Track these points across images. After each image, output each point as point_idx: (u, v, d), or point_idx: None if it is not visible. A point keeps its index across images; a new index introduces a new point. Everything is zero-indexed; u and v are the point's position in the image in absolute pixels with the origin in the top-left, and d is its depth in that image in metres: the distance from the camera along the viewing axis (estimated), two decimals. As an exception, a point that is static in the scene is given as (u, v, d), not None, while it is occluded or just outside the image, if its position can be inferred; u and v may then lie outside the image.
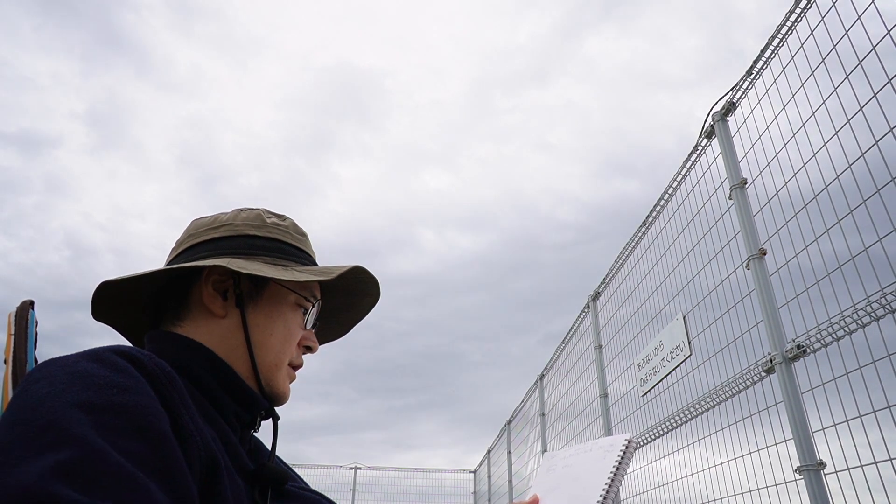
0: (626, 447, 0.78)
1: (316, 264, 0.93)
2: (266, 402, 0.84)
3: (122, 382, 0.59)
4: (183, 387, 0.67)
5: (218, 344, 0.81)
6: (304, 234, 0.94)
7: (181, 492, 0.56)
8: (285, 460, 0.96)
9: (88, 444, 0.51)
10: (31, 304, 0.78)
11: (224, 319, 0.83)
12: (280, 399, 0.86)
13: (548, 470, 0.87)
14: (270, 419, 0.88)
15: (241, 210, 0.92)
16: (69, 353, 0.65)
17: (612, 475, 0.74)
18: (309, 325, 0.90)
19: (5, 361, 0.72)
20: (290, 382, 0.89)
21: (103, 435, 0.53)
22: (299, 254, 0.91)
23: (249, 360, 0.82)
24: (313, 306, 0.90)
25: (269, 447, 0.87)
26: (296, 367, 0.89)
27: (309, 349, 0.91)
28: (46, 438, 0.51)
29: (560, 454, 0.88)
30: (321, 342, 1.05)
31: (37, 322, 0.77)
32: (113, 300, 0.85)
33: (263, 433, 0.91)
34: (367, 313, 1.03)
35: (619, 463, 0.76)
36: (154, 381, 0.63)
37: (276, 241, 0.89)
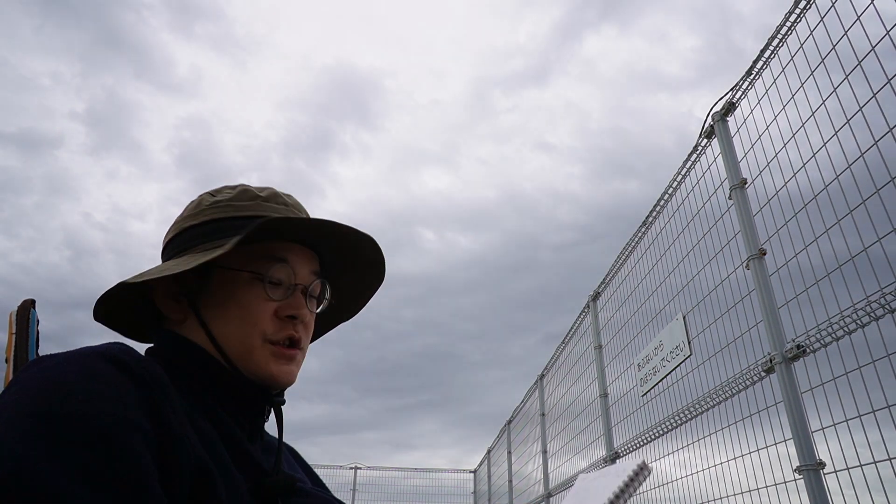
0: (637, 471, 0.78)
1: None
2: (258, 388, 0.80)
3: (93, 389, 0.58)
4: (172, 390, 0.66)
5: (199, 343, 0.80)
6: (256, 198, 0.85)
7: (134, 494, 0.54)
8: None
9: (23, 461, 0.51)
10: (33, 303, 0.78)
11: (186, 322, 0.81)
12: (271, 381, 0.80)
13: (575, 493, 0.88)
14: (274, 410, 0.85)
15: (192, 200, 0.88)
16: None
17: (613, 496, 0.75)
18: (278, 295, 0.81)
19: (7, 360, 0.72)
20: (290, 362, 0.82)
21: (50, 447, 0.53)
22: (244, 223, 0.82)
23: (220, 353, 0.78)
24: (270, 271, 0.81)
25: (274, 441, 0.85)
26: (278, 341, 0.81)
27: (292, 318, 0.82)
28: None
29: (590, 476, 0.89)
30: (345, 317, 1.00)
31: (38, 321, 0.78)
32: (116, 311, 0.86)
33: (269, 428, 0.88)
34: (379, 273, 0.95)
35: (626, 485, 0.76)
36: (139, 385, 0.62)
37: (213, 221, 0.83)
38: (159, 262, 0.91)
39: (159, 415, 0.61)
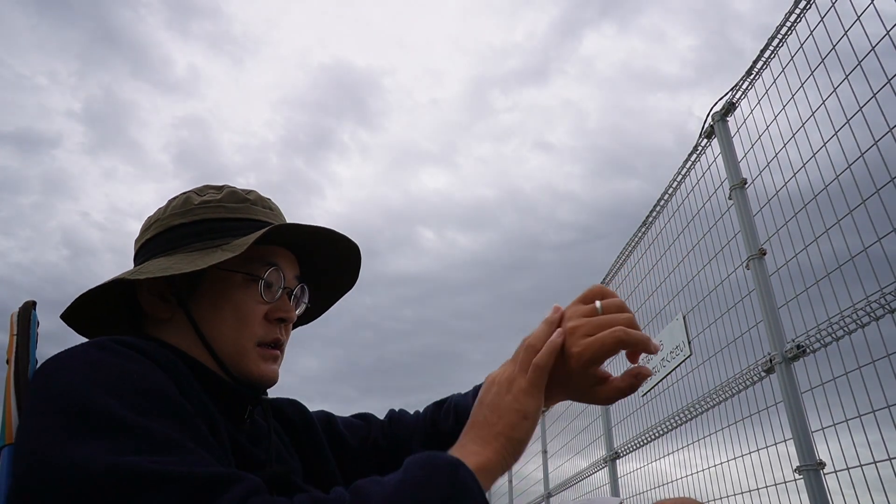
0: None
1: (272, 222, 0.86)
2: (247, 389, 0.81)
3: (136, 368, 0.63)
4: (181, 370, 0.70)
5: (178, 345, 0.79)
6: (245, 200, 0.86)
7: (215, 455, 0.60)
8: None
9: (130, 422, 0.56)
10: (34, 304, 0.78)
11: (172, 320, 0.80)
12: (260, 381, 0.82)
13: None
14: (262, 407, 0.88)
15: (174, 198, 0.87)
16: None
17: None
18: (269, 297, 0.82)
19: (7, 362, 0.72)
20: (275, 362, 0.83)
21: (140, 415, 0.58)
22: (238, 225, 0.83)
23: (210, 354, 0.79)
24: (266, 274, 0.82)
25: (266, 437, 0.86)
26: (269, 343, 0.82)
27: (282, 320, 0.84)
28: (91, 423, 0.56)
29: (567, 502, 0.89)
30: (330, 300, 1.01)
31: (38, 322, 0.78)
32: (91, 320, 0.86)
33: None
34: (355, 263, 0.95)
35: None
36: (159, 366, 0.67)
37: (205, 221, 0.82)
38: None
39: (178, 390, 0.66)
